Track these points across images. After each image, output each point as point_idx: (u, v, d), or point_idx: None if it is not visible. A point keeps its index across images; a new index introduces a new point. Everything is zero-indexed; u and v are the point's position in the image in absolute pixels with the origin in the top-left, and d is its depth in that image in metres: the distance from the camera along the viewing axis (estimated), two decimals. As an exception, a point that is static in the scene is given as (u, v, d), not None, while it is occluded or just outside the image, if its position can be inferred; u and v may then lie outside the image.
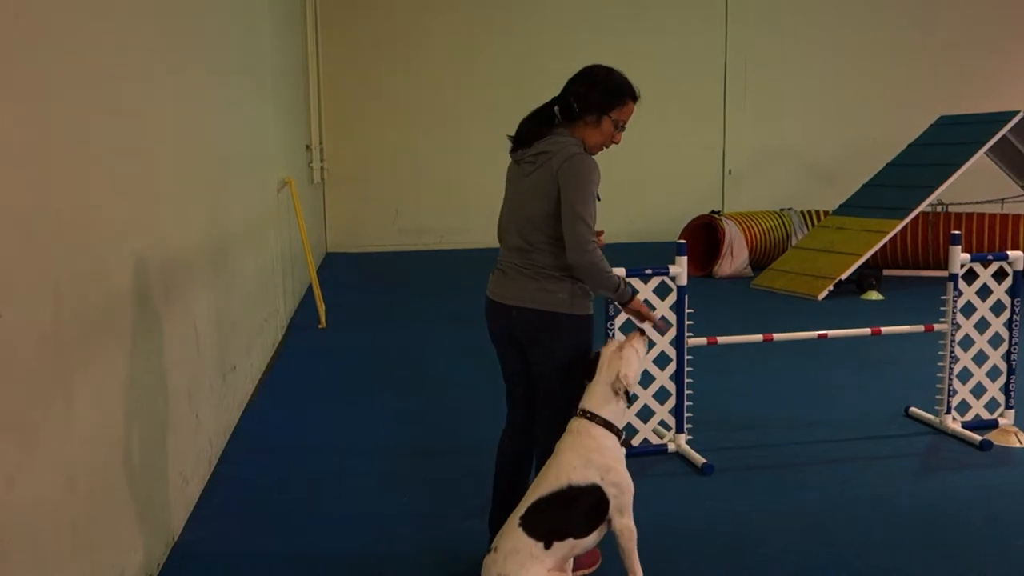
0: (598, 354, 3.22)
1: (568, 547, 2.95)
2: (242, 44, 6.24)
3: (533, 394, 3.37)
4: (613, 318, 4.53)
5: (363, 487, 4.40)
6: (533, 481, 3.10)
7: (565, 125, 3.23)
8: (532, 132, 3.24)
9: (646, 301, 4.57)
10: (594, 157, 3.21)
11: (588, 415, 3.12)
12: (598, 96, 3.20)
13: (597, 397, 3.14)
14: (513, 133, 3.33)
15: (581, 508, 2.98)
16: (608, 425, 3.12)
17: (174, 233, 4.02)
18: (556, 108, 3.22)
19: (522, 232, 3.24)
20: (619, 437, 3.15)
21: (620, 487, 3.06)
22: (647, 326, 3.53)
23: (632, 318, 3.55)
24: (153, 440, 3.54)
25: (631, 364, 3.15)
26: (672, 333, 4.64)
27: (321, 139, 12.75)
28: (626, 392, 3.15)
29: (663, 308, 4.66)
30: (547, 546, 2.88)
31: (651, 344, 4.67)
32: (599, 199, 3.15)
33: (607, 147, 3.30)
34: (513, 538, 2.89)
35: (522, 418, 3.44)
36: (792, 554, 3.64)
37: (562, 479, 3.00)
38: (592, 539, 3.02)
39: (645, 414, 4.75)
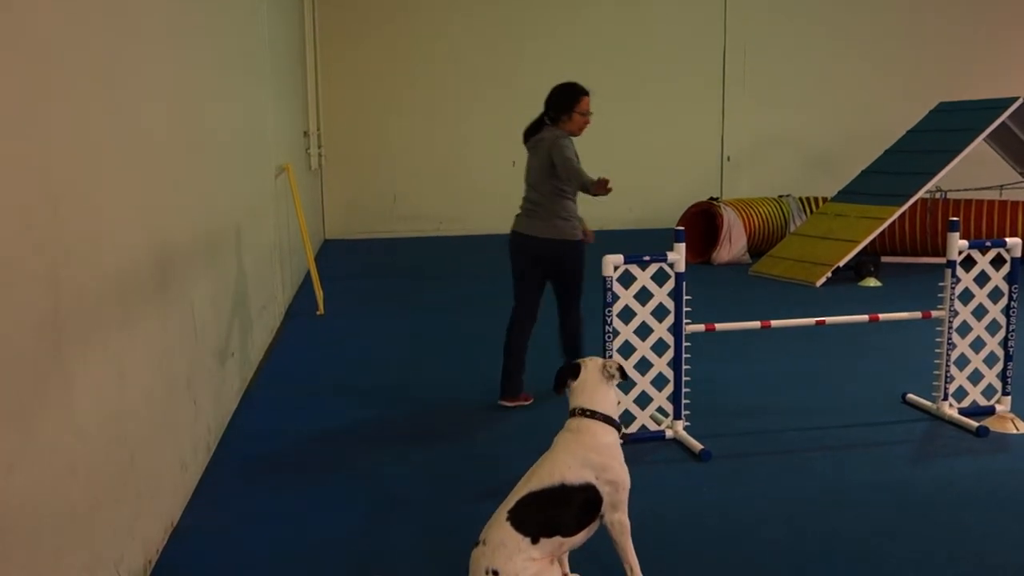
0: (579, 362, 3.29)
1: (556, 544, 2.92)
2: (240, 30, 6.22)
3: (540, 293, 5.36)
4: (611, 305, 4.54)
5: (359, 474, 4.41)
6: (524, 475, 3.09)
7: (553, 125, 5.21)
8: (534, 130, 5.29)
9: (644, 289, 4.59)
10: (576, 137, 5.21)
11: (587, 413, 3.12)
12: (561, 103, 5.16)
13: (588, 391, 3.17)
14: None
15: (572, 507, 2.96)
16: (608, 420, 3.13)
17: (172, 220, 4.02)
18: (545, 118, 5.25)
19: (536, 189, 5.22)
20: (619, 431, 3.16)
21: (615, 485, 3.04)
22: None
23: (600, 195, 4.88)
24: (152, 426, 3.54)
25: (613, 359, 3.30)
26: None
27: (319, 125, 12.72)
28: (620, 371, 3.22)
29: (661, 295, 4.67)
30: (534, 541, 2.87)
31: (649, 331, 4.69)
32: (577, 157, 5.09)
33: (585, 127, 5.20)
34: (501, 532, 2.88)
35: (529, 308, 5.35)
36: (789, 540, 3.65)
37: (555, 476, 2.98)
38: (581, 538, 3.01)
39: (643, 400, 4.75)
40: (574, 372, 3.23)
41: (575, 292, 5.31)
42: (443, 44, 13.96)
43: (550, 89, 5.21)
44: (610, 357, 4.50)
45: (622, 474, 3.07)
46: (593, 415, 3.11)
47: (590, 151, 15.83)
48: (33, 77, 2.54)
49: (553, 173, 5.08)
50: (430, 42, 13.91)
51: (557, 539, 2.93)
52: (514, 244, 5.33)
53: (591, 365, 3.23)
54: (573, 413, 3.16)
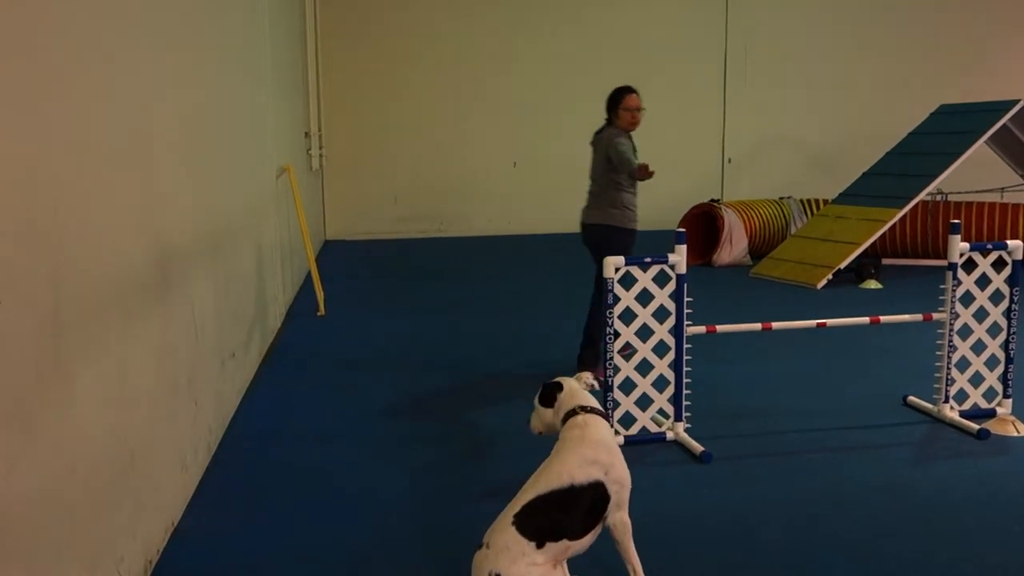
0: (558, 380, 3.44)
1: (562, 548, 2.93)
2: (241, 29, 6.21)
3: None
4: (612, 306, 4.54)
5: (360, 474, 4.41)
6: (530, 477, 3.08)
7: (609, 125, 5.90)
8: (599, 131, 5.96)
9: (645, 290, 4.59)
10: (632, 131, 5.90)
11: (588, 409, 3.23)
12: (610, 104, 5.88)
13: (577, 395, 3.34)
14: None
15: (580, 508, 2.97)
16: (603, 414, 3.27)
17: (172, 220, 4.01)
18: (606, 119, 5.93)
19: (596, 182, 5.93)
20: (609, 423, 3.35)
21: (621, 483, 3.08)
22: None
23: (645, 179, 5.53)
24: (152, 426, 3.54)
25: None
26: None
27: (320, 126, 12.72)
28: (596, 381, 3.57)
29: (662, 296, 4.67)
30: (539, 545, 2.87)
31: (650, 333, 4.68)
32: (636, 152, 5.79)
33: (635, 121, 5.84)
34: (505, 536, 2.88)
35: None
36: (790, 542, 3.65)
37: (564, 478, 2.99)
38: (587, 540, 3.01)
39: (644, 402, 4.75)
40: (559, 387, 3.40)
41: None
42: (444, 44, 13.95)
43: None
44: (610, 360, 4.56)
45: (625, 472, 3.12)
46: (594, 410, 3.24)
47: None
48: (33, 77, 2.53)
49: (610, 167, 5.75)
50: (431, 42, 13.91)
51: (564, 543, 2.93)
52: (582, 232, 6.06)
53: (569, 380, 3.44)
54: (573, 413, 3.24)
